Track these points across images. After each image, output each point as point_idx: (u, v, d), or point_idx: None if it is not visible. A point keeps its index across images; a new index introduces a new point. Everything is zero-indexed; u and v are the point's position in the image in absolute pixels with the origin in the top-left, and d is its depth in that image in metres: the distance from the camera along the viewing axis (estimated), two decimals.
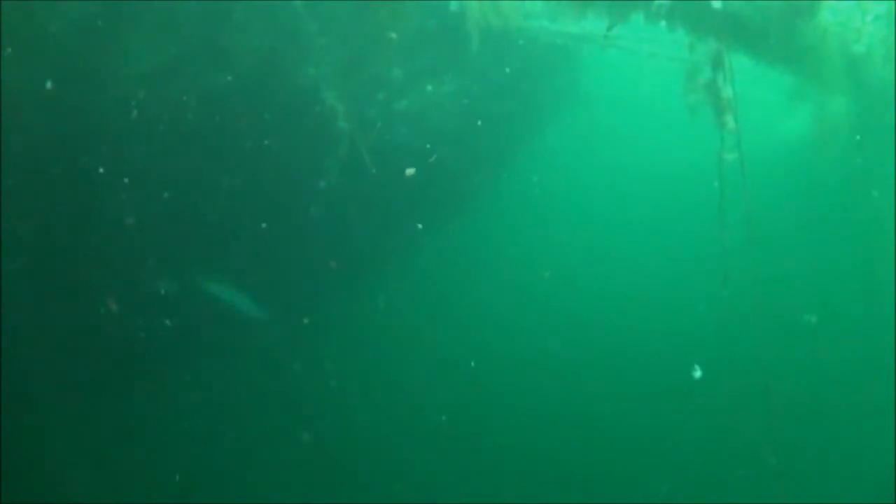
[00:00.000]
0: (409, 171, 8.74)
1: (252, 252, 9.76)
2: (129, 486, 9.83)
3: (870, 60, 8.98)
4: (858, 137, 10.04)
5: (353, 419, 12.54)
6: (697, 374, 8.83)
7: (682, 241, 14.29)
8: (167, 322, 9.26)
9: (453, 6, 7.20)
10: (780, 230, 11.36)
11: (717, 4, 6.64)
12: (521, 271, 16.50)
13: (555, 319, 15.10)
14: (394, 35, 7.74)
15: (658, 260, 15.63)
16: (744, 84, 7.17)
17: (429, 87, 10.32)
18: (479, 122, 11.07)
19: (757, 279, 7.70)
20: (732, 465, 11.61)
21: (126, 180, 8.02)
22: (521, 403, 13.47)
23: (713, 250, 7.42)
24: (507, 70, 10.73)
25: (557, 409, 13.43)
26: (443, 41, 8.52)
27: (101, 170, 7.78)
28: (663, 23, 6.95)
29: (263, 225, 9.53)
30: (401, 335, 14.20)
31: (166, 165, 8.21)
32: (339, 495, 11.41)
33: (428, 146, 10.38)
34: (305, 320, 11.81)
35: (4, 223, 7.30)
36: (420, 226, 12.41)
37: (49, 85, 7.01)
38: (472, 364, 13.41)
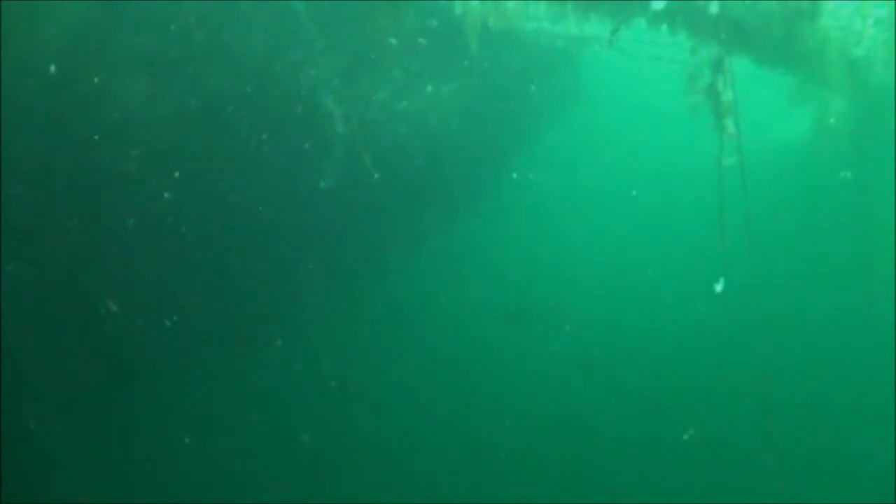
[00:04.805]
0: None
1: (252, 252, 9.76)
2: (129, 486, 9.82)
3: (870, 63, 9.00)
4: (858, 140, 10.06)
5: (353, 420, 12.52)
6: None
7: (682, 243, 14.32)
8: (167, 322, 9.26)
9: (458, 7, 7.19)
10: (780, 231, 11.37)
11: (713, 7, 6.65)
12: (521, 271, 16.53)
13: (555, 319, 15.11)
14: (395, 36, 7.75)
15: (658, 261, 15.65)
16: (744, 86, 7.18)
17: (429, 88, 10.34)
18: (480, 123, 11.09)
19: (757, 280, 7.72)
20: (732, 465, 11.63)
21: (125, 181, 8.02)
22: (521, 404, 13.47)
23: (713, 252, 7.43)
24: (509, 71, 10.75)
25: (557, 410, 13.43)
26: (444, 42, 8.54)
27: (100, 170, 7.78)
28: (665, 26, 6.97)
29: (264, 225, 9.53)
30: (401, 335, 14.20)
31: (166, 166, 8.22)
32: (338, 496, 11.40)
33: (428, 146, 10.40)
34: (306, 319, 11.84)
35: (5, 223, 7.30)
36: (420, 226, 12.44)
37: (49, 85, 7.02)
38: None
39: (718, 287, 7.52)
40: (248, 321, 10.70)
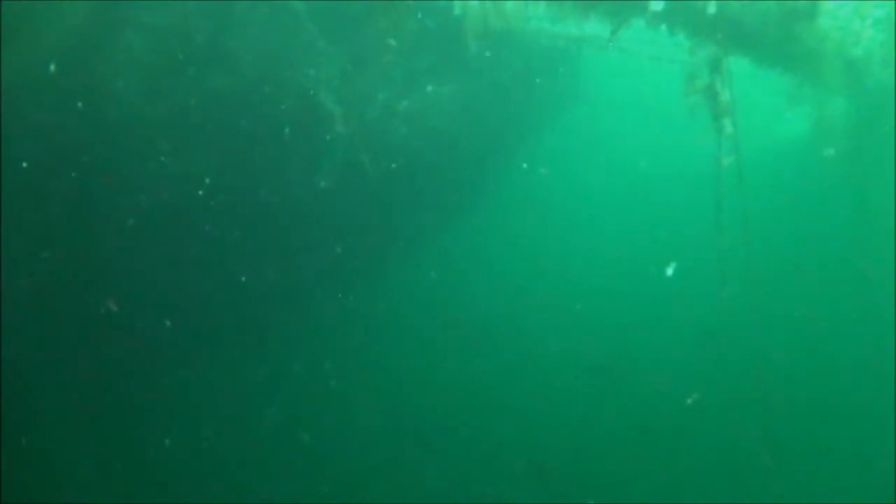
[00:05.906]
0: None
1: (253, 252, 9.77)
2: (129, 486, 9.83)
3: (868, 64, 9.02)
4: (857, 140, 10.07)
5: (353, 420, 12.54)
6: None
7: (680, 243, 14.33)
8: (167, 322, 9.27)
9: (457, 7, 7.20)
10: (778, 230, 11.39)
11: (711, 7, 6.67)
12: (521, 271, 16.55)
13: (554, 319, 15.12)
14: (395, 36, 7.77)
15: (656, 261, 15.66)
16: (743, 86, 7.21)
17: (429, 88, 10.35)
18: (480, 123, 11.10)
19: (755, 280, 7.74)
20: (733, 465, 11.64)
21: (124, 181, 8.03)
22: (520, 404, 13.48)
23: (712, 252, 7.45)
24: (509, 71, 10.77)
25: (556, 409, 13.45)
26: (444, 42, 8.55)
27: (99, 170, 7.79)
28: (664, 26, 6.99)
29: (264, 225, 9.54)
30: (401, 335, 14.21)
31: (166, 167, 8.22)
32: (337, 496, 11.42)
33: (428, 146, 10.41)
34: (306, 320, 11.84)
35: (5, 224, 7.31)
36: (420, 226, 12.44)
37: (50, 86, 7.03)
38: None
39: (669, 272, 7.57)
40: (248, 321, 10.71)
